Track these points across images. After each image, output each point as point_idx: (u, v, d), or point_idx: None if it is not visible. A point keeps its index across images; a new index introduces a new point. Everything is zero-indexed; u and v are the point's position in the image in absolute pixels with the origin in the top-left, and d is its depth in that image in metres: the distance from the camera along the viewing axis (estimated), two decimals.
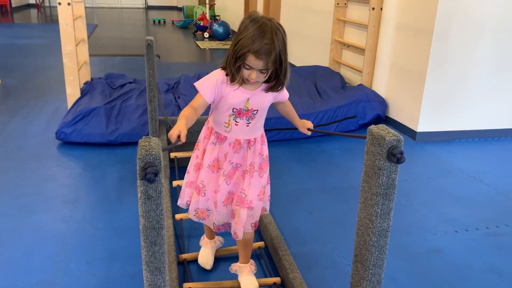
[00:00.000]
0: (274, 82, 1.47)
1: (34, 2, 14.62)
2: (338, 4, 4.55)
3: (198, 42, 8.34)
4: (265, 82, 1.48)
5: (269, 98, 1.54)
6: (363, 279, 1.15)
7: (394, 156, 1.01)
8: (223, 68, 1.47)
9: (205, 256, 1.88)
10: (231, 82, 1.45)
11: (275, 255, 1.90)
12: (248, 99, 1.48)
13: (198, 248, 1.95)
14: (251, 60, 1.36)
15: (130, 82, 3.93)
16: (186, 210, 1.81)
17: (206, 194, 1.59)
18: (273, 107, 1.64)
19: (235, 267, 1.78)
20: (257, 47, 1.33)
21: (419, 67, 3.44)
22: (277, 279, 1.79)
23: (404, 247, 2.13)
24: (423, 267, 1.99)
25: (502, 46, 3.44)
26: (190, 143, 2.75)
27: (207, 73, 4.17)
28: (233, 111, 1.50)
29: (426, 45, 3.33)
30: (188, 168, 1.66)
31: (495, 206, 2.57)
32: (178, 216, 2.15)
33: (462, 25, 3.29)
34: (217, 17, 10.08)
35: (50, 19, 11.75)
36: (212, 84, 1.46)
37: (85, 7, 4.06)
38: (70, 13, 3.37)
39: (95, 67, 5.41)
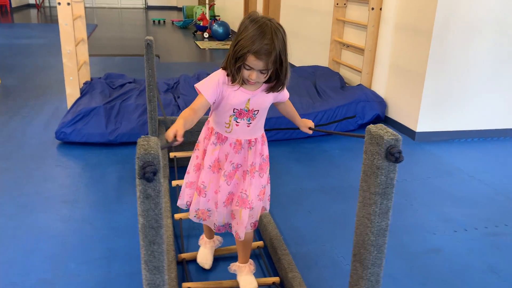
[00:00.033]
0: (274, 82, 1.47)
1: (34, 2, 14.63)
2: (337, 4, 4.55)
3: (198, 42, 8.34)
4: (265, 82, 1.48)
5: (270, 98, 1.54)
6: (362, 278, 1.15)
7: (393, 156, 1.01)
8: (224, 68, 1.46)
9: (204, 256, 1.88)
10: (231, 83, 1.45)
11: (274, 254, 1.91)
12: (249, 100, 1.48)
13: (197, 248, 1.95)
14: (251, 60, 1.36)
15: (129, 82, 3.93)
16: (185, 210, 1.82)
17: (207, 194, 1.59)
18: (273, 107, 1.64)
19: (234, 267, 1.78)
20: (257, 48, 1.33)
21: (418, 67, 3.44)
22: (276, 279, 1.79)
23: (403, 247, 2.14)
24: (422, 267, 1.99)
25: (501, 46, 3.45)
26: (189, 143, 2.75)
27: (207, 73, 4.18)
28: (233, 112, 1.49)
29: (426, 45, 3.33)
30: (188, 168, 1.66)
31: (494, 206, 2.57)
32: (177, 216, 2.15)
33: (461, 25, 3.29)
34: (217, 17, 10.08)
35: (50, 19, 11.75)
36: (213, 84, 1.45)
37: (85, 7, 4.06)
38: (70, 13, 3.37)
39: (95, 67, 5.42)
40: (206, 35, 8.86)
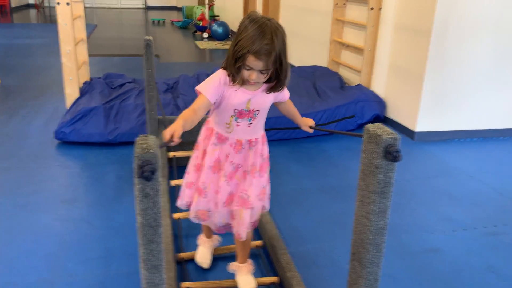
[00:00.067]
0: (274, 82, 1.46)
1: (34, 2, 14.63)
2: (337, 4, 4.55)
3: (197, 42, 8.34)
4: (265, 82, 1.47)
5: (270, 98, 1.53)
6: (361, 277, 1.15)
7: (391, 155, 1.02)
8: (225, 68, 1.46)
9: (203, 255, 1.88)
10: (232, 83, 1.44)
11: (273, 254, 1.91)
12: (249, 100, 1.48)
13: (196, 247, 1.95)
14: (251, 60, 1.36)
15: (129, 82, 3.93)
16: (184, 210, 1.82)
17: (207, 195, 1.58)
18: (273, 106, 1.64)
19: (233, 266, 1.77)
20: (257, 48, 1.33)
21: (417, 67, 3.44)
22: (275, 279, 1.79)
23: (402, 246, 2.14)
24: (421, 266, 1.99)
25: (500, 46, 3.45)
26: (188, 143, 2.75)
27: (207, 73, 4.18)
28: (234, 112, 1.49)
29: (425, 45, 3.34)
30: (187, 168, 1.65)
31: (493, 205, 2.57)
32: (176, 215, 2.15)
33: (460, 25, 3.29)
34: (217, 17, 10.08)
35: (50, 19, 11.75)
36: (215, 84, 1.45)
37: (85, 7, 4.07)
38: (69, 13, 3.37)
39: (95, 67, 5.42)
40: (205, 35, 8.87)
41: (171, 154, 2.72)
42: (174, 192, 2.40)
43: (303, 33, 5.67)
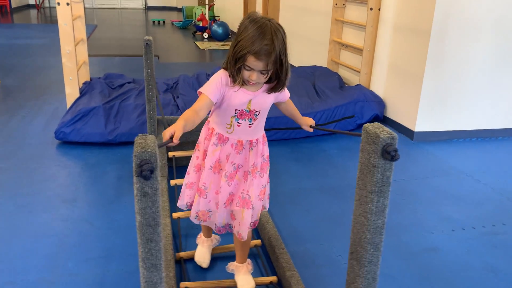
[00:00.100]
0: (275, 82, 1.47)
1: (34, 3, 14.64)
2: (336, 4, 4.56)
3: (197, 43, 8.35)
4: (266, 82, 1.47)
5: (271, 98, 1.54)
6: (359, 276, 1.16)
7: (389, 154, 1.02)
8: (226, 69, 1.46)
9: (202, 255, 1.88)
10: (232, 84, 1.44)
11: (272, 253, 1.91)
12: (250, 100, 1.48)
13: (195, 247, 1.95)
14: (251, 61, 1.36)
15: (129, 82, 3.94)
16: (184, 210, 1.82)
17: (207, 196, 1.58)
18: (272, 106, 1.65)
19: (232, 266, 1.78)
20: (257, 48, 1.33)
21: (417, 67, 3.45)
22: (273, 278, 1.79)
23: (402, 246, 2.14)
24: (420, 266, 2.00)
25: (499, 46, 3.45)
26: (188, 143, 2.76)
27: (206, 73, 4.17)
28: (235, 113, 1.49)
29: (424, 45, 3.34)
30: (188, 169, 1.66)
31: (492, 205, 2.58)
32: (175, 215, 2.15)
33: (459, 25, 3.30)
34: (217, 18, 10.09)
35: (50, 20, 11.76)
36: (216, 84, 1.44)
37: (85, 8, 4.07)
38: (69, 13, 3.38)
39: (95, 68, 5.43)
40: (205, 35, 8.87)
41: (171, 154, 2.72)
42: (173, 192, 2.41)
43: (303, 33, 5.68)
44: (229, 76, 1.44)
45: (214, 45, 8.17)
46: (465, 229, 2.31)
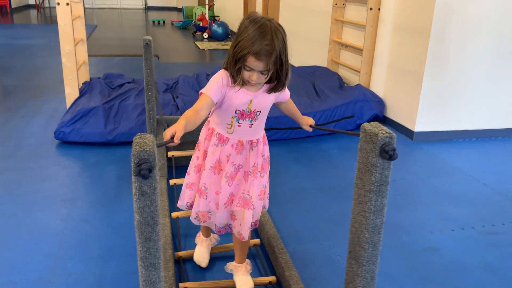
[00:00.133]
0: (275, 82, 1.46)
1: (34, 3, 14.64)
2: (336, 4, 4.56)
3: (197, 43, 8.35)
4: (266, 83, 1.47)
5: (271, 98, 1.53)
6: (357, 275, 1.16)
7: (387, 153, 1.02)
8: (226, 69, 1.45)
9: (201, 254, 1.88)
10: (233, 84, 1.44)
11: (271, 253, 1.91)
12: (251, 101, 1.48)
13: (194, 246, 1.95)
14: (251, 61, 1.35)
15: (128, 82, 3.94)
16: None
17: (207, 196, 1.58)
18: (273, 106, 1.64)
19: (230, 266, 1.77)
20: (257, 49, 1.32)
21: (416, 67, 3.45)
22: (272, 278, 1.79)
23: (401, 245, 2.14)
24: (420, 265, 2.00)
25: (499, 46, 3.45)
26: (188, 143, 2.76)
27: (206, 73, 4.17)
28: (236, 113, 1.49)
29: (424, 45, 3.34)
30: (188, 169, 1.65)
31: (491, 205, 2.58)
32: (174, 214, 2.15)
33: (459, 24, 3.30)
34: (217, 18, 10.09)
35: (50, 20, 11.76)
36: (217, 84, 1.44)
37: (85, 8, 4.07)
38: (69, 13, 3.38)
39: (95, 68, 5.43)
40: (205, 35, 8.88)
41: (170, 153, 2.73)
42: (173, 191, 2.41)
43: (303, 33, 5.68)
44: (230, 76, 1.44)
45: (214, 45, 8.18)
46: (464, 228, 2.32)
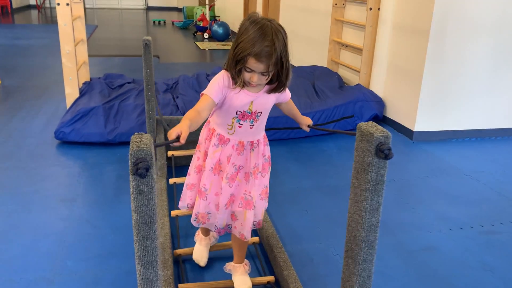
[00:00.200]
0: (276, 83, 1.46)
1: (35, 3, 14.66)
2: (336, 4, 4.57)
3: (198, 43, 8.36)
4: (267, 83, 1.47)
5: (272, 99, 1.54)
6: (354, 274, 1.17)
7: (382, 152, 1.03)
8: (227, 70, 1.45)
9: (200, 253, 1.89)
10: (233, 85, 1.44)
11: (270, 252, 1.92)
12: (252, 102, 1.48)
13: (193, 245, 1.96)
14: (252, 63, 1.35)
15: (128, 82, 3.95)
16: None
17: (207, 197, 1.58)
18: (273, 106, 1.65)
19: (229, 266, 1.78)
20: (258, 50, 1.32)
21: (416, 66, 3.45)
22: (271, 278, 1.80)
23: (400, 244, 2.15)
24: (418, 265, 2.00)
25: (498, 46, 3.46)
26: (187, 142, 2.77)
27: (206, 73, 4.17)
28: (236, 114, 1.49)
29: (423, 45, 3.35)
30: (189, 169, 1.65)
31: (490, 204, 2.58)
32: (173, 213, 2.16)
33: (458, 24, 3.31)
34: (217, 18, 10.11)
35: (51, 20, 11.78)
36: (219, 84, 1.43)
37: (85, 8, 4.09)
38: (69, 13, 3.39)
39: (95, 68, 5.44)
40: (206, 35, 8.89)
41: (170, 153, 2.73)
42: (172, 191, 2.42)
43: (303, 33, 5.69)
44: (230, 77, 1.44)
45: (215, 45, 8.19)
46: (463, 228, 2.32)
